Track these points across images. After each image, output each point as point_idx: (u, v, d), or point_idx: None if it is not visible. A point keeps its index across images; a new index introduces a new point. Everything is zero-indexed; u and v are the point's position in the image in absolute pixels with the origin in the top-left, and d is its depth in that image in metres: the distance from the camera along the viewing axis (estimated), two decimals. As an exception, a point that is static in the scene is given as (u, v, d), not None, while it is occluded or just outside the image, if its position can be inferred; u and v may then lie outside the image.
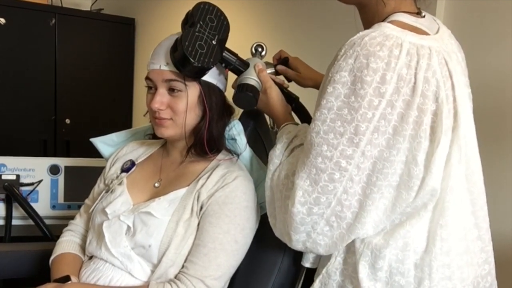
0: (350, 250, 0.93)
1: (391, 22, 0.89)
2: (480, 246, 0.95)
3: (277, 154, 1.04)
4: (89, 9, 3.33)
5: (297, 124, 1.12)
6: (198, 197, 1.08)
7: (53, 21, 2.98)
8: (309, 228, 0.90)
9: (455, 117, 0.87)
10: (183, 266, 1.05)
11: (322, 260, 1.00)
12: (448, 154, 0.86)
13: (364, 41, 0.84)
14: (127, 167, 1.22)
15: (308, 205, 0.88)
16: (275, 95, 1.15)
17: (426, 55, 0.85)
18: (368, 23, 0.95)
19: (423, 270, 0.88)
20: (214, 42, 1.07)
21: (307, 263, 1.06)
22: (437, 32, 0.95)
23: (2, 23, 2.72)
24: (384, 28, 0.87)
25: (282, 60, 1.33)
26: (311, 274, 1.02)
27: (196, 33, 1.05)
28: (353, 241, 0.92)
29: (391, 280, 0.89)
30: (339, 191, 0.86)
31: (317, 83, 1.26)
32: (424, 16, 0.95)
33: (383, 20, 0.91)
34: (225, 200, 1.06)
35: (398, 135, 0.84)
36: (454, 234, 0.89)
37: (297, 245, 0.95)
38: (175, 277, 1.04)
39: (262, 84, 1.15)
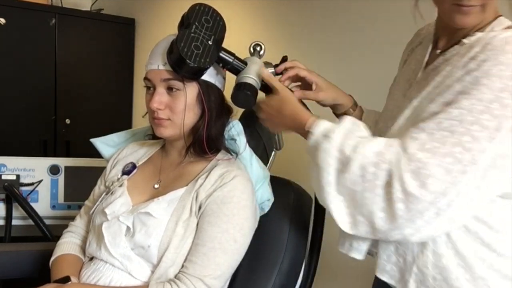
0: (436, 241, 0.89)
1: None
2: None
3: (331, 171, 0.91)
4: (89, 9, 3.33)
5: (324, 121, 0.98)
6: (197, 197, 1.08)
7: (53, 21, 2.97)
8: (428, 215, 0.84)
9: None
10: (182, 266, 1.05)
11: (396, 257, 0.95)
12: None
13: None
14: (128, 170, 1.23)
15: (436, 194, 0.82)
16: (290, 95, 1.07)
17: None
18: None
19: None
20: (210, 43, 1.07)
21: (359, 254, 0.99)
22: None
23: (2, 23, 2.71)
24: None
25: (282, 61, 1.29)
26: (310, 275, 1.01)
27: (192, 34, 1.05)
28: None
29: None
30: (464, 185, 0.82)
31: (337, 101, 1.18)
32: None
33: (489, 23, 0.90)
34: (223, 200, 1.06)
35: None
36: None
37: (395, 233, 0.87)
38: (175, 277, 1.05)
39: (274, 87, 1.08)
